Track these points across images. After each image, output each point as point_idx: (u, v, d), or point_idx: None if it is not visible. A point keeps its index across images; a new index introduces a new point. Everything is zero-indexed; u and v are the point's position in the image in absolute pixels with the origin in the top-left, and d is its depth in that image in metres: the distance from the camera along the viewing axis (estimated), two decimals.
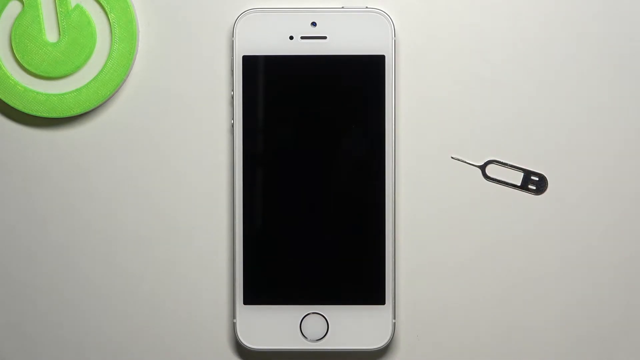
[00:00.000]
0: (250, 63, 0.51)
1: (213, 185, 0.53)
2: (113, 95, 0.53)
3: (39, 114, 0.52)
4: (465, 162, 0.53)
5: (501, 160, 0.53)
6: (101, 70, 0.52)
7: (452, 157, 0.53)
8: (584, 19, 0.52)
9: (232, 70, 0.51)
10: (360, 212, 0.51)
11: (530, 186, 0.53)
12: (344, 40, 0.51)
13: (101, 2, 0.52)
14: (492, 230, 0.53)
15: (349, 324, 0.51)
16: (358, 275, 0.51)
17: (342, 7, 0.51)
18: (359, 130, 0.51)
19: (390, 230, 0.51)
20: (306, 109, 0.51)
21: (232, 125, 0.52)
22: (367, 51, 0.51)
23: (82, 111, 0.52)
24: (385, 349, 0.53)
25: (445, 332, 0.53)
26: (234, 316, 0.52)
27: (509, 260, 0.53)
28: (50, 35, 0.52)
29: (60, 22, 0.52)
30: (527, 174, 0.53)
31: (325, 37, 0.51)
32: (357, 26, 0.51)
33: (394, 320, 0.52)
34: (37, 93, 0.52)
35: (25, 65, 0.52)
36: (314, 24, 0.51)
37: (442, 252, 0.53)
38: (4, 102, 0.52)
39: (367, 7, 0.51)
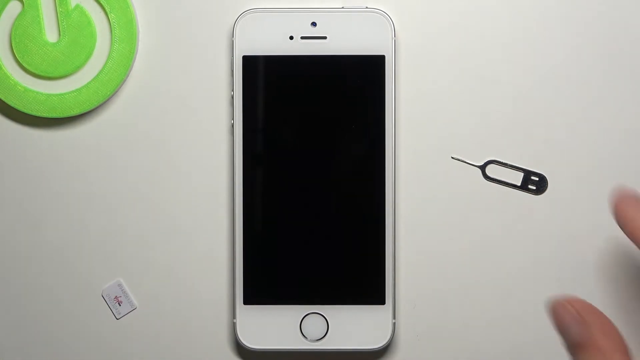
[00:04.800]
0: (250, 63, 0.51)
1: (213, 185, 0.53)
2: (113, 95, 0.53)
3: (39, 114, 0.52)
4: (465, 162, 0.53)
5: (501, 161, 0.53)
6: (101, 70, 0.52)
7: (452, 157, 0.53)
8: (584, 18, 0.52)
9: (232, 70, 0.51)
10: (360, 212, 0.51)
11: (530, 186, 0.53)
12: (344, 40, 0.51)
13: (101, 2, 0.52)
14: (492, 230, 0.53)
15: (349, 324, 0.51)
16: (358, 275, 0.51)
17: (342, 7, 0.51)
18: (359, 130, 0.51)
19: (390, 230, 0.51)
20: (306, 109, 0.51)
21: (232, 125, 0.52)
22: (367, 51, 0.51)
23: (82, 111, 0.52)
24: (385, 349, 0.53)
25: (445, 332, 0.53)
26: (234, 316, 0.52)
27: (509, 260, 0.53)
28: (50, 35, 0.52)
29: (60, 22, 0.52)
30: (527, 174, 0.53)
31: (325, 37, 0.51)
32: (357, 26, 0.51)
33: (394, 320, 0.52)
34: (37, 93, 0.52)
35: (25, 65, 0.52)
36: (314, 24, 0.51)
37: (442, 252, 0.53)
38: (4, 102, 0.52)
39: (367, 7, 0.51)
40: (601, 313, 0.47)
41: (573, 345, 0.47)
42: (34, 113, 0.52)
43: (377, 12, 0.51)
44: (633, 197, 0.47)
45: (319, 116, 0.51)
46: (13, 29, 0.52)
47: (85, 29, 0.52)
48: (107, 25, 0.52)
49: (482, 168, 0.53)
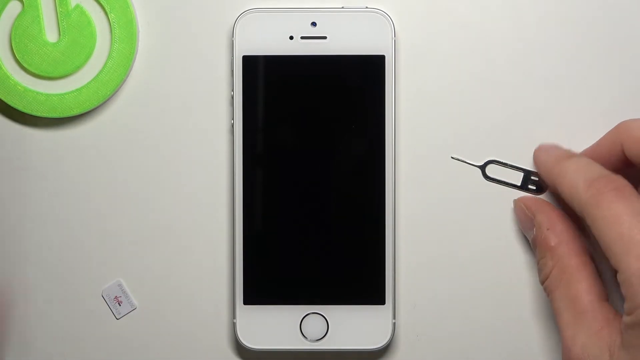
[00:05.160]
0: (250, 63, 0.51)
1: (213, 185, 0.53)
2: (113, 95, 0.53)
3: (39, 114, 0.52)
4: (465, 162, 0.53)
5: (501, 160, 0.53)
6: (101, 70, 0.52)
7: (452, 157, 0.53)
8: (585, 18, 0.52)
9: (232, 70, 0.51)
10: (360, 212, 0.51)
11: (530, 186, 0.53)
12: (344, 40, 0.51)
13: (101, 2, 0.52)
14: (492, 230, 0.53)
15: (349, 324, 0.51)
16: (358, 275, 0.51)
17: (342, 7, 0.51)
18: (359, 130, 0.51)
19: (390, 230, 0.51)
20: (306, 109, 0.51)
21: (232, 125, 0.52)
22: (367, 51, 0.51)
23: (82, 111, 0.52)
24: (385, 349, 0.53)
25: (445, 332, 0.53)
26: (234, 316, 0.52)
27: (509, 260, 0.53)
28: (50, 35, 0.52)
29: (60, 22, 0.52)
30: (527, 173, 0.53)
31: (325, 37, 0.51)
32: (357, 26, 0.51)
33: (394, 320, 0.52)
34: (37, 93, 0.52)
35: (25, 65, 0.52)
36: (314, 24, 0.51)
37: (442, 252, 0.53)
38: (4, 102, 0.52)
39: (367, 7, 0.51)
40: (553, 211, 0.49)
41: (531, 242, 0.49)
42: (34, 113, 0.52)
43: (377, 12, 0.51)
44: (549, 146, 0.50)
45: (319, 116, 0.51)
46: (13, 29, 0.52)
47: (85, 29, 0.52)
48: (107, 25, 0.52)
49: (482, 168, 0.53)
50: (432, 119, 0.53)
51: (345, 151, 0.51)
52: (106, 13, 0.52)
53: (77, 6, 0.52)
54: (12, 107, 0.52)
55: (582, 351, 0.45)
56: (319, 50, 0.50)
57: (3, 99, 0.52)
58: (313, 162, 0.51)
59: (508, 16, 0.53)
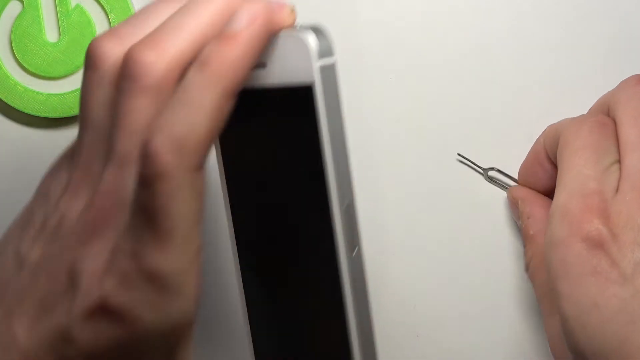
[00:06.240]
0: None
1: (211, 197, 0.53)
2: None
3: (39, 114, 0.52)
4: (470, 161, 0.52)
5: (502, 170, 0.53)
6: None
7: (458, 154, 0.52)
8: (586, 20, 0.53)
9: None
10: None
11: None
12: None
13: (101, 2, 0.52)
14: (493, 232, 0.53)
15: None
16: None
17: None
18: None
19: (348, 288, 0.40)
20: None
21: None
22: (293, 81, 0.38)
23: None
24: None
25: (445, 332, 0.53)
26: None
27: (509, 261, 0.53)
28: (50, 35, 0.52)
29: (60, 22, 0.52)
30: None
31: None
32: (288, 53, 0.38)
33: None
34: (37, 93, 0.52)
35: (26, 65, 0.52)
36: None
37: (442, 252, 0.53)
38: (4, 102, 0.52)
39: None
40: (536, 200, 0.49)
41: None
42: (34, 113, 0.52)
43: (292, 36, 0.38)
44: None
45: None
46: (13, 29, 0.52)
47: (85, 29, 0.52)
48: (107, 25, 0.52)
49: (485, 172, 0.53)
50: (432, 121, 0.53)
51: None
52: (106, 13, 0.52)
53: (77, 6, 0.52)
54: (12, 107, 0.52)
55: (555, 338, 0.45)
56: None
57: (3, 99, 0.52)
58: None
59: (508, 17, 0.53)
